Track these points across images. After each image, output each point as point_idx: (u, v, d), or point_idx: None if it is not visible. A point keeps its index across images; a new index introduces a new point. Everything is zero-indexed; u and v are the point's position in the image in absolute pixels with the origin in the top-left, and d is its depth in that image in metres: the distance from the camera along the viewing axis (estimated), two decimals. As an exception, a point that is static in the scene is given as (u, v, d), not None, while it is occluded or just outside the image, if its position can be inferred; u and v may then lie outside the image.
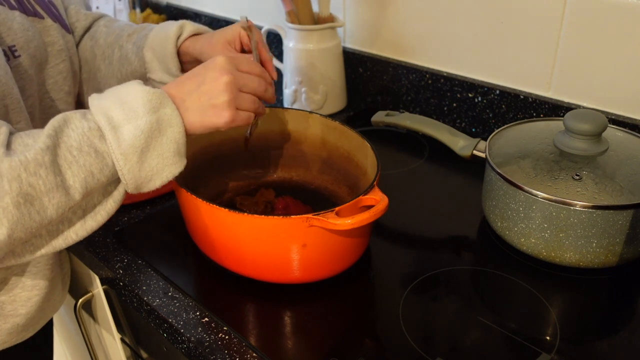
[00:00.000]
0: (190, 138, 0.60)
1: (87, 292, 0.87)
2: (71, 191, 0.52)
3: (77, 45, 0.81)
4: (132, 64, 0.78)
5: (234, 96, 0.59)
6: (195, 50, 0.76)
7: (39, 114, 0.70)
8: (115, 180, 0.56)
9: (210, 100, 0.58)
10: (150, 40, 0.76)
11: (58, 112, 0.74)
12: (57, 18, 0.73)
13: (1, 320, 0.68)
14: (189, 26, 0.75)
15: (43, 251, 0.55)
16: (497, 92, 0.98)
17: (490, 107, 1.00)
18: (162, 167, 0.56)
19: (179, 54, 0.77)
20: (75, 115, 0.54)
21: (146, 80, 0.78)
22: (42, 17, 0.70)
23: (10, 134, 0.52)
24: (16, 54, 0.64)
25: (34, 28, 0.68)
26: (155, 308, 0.67)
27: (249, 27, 0.73)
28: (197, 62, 0.75)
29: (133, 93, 0.55)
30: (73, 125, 0.53)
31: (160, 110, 0.55)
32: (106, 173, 0.54)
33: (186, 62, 0.78)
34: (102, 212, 0.57)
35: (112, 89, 0.57)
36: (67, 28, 0.75)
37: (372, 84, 1.17)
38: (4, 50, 0.62)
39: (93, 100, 0.56)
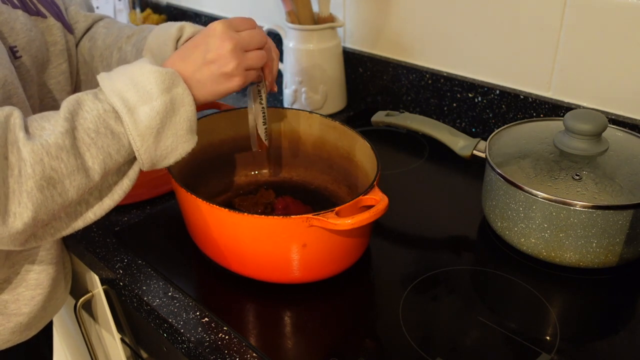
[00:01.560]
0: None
1: (87, 292, 0.87)
2: (91, 172, 0.53)
3: (76, 46, 0.81)
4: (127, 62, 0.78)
5: (241, 59, 0.60)
6: None
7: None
8: (130, 160, 0.57)
9: (220, 68, 0.59)
10: (150, 42, 0.76)
11: None
12: (60, 17, 0.72)
13: (4, 319, 0.68)
14: (189, 28, 0.75)
15: (64, 233, 0.56)
16: (497, 92, 0.98)
17: (490, 107, 1.00)
18: (176, 145, 0.58)
19: None
20: (87, 96, 0.55)
21: None
22: (45, 17, 0.70)
23: (23, 117, 0.53)
24: (17, 54, 0.64)
25: (37, 28, 0.68)
26: (155, 308, 0.67)
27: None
28: None
29: (145, 73, 0.55)
30: (87, 107, 0.54)
31: (173, 89, 0.56)
32: (123, 153, 0.55)
33: None
34: (118, 191, 0.58)
35: (121, 68, 0.57)
36: (69, 28, 0.75)
37: (372, 84, 1.17)
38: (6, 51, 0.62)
39: (103, 80, 0.56)
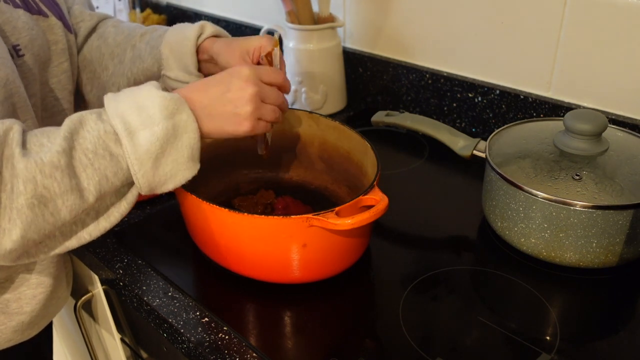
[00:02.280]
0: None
1: (87, 292, 0.87)
2: (85, 194, 0.53)
3: (83, 45, 0.81)
4: (144, 62, 0.78)
5: (258, 107, 0.60)
6: (213, 51, 0.75)
7: (42, 112, 0.70)
8: (129, 183, 0.57)
9: (235, 109, 0.59)
10: (168, 38, 0.75)
11: (61, 111, 0.74)
12: (61, 17, 0.73)
13: (6, 318, 0.68)
14: (210, 27, 0.75)
15: (57, 251, 0.56)
16: (497, 92, 0.98)
17: (490, 107, 1.00)
18: (176, 171, 0.57)
19: (197, 51, 0.77)
20: (90, 116, 0.54)
21: (159, 78, 0.78)
22: (46, 16, 0.70)
23: (24, 132, 0.52)
24: (20, 52, 0.64)
25: (38, 27, 0.68)
26: (155, 308, 0.67)
27: (276, 43, 0.73)
28: (213, 62, 0.75)
29: (150, 98, 0.55)
30: (89, 127, 0.53)
31: (176, 116, 0.55)
32: (120, 177, 0.55)
33: (203, 61, 0.78)
34: (115, 213, 0.58)
35: (128, 91, 0.57)
36: (70, 28, 0.75)
37: (372, 84, 1.17)
38: (8, 50, 0.62)
39: (109, 101, 0.56)
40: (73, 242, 0.56)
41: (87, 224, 0.56)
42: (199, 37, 0.74)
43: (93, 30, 0.82)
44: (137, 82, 0.77)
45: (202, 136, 0.59)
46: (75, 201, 0.52)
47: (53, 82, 0.72)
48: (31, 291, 0.69)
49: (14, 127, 0.51)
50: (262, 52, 0.71)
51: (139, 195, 0.59)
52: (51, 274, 0.71)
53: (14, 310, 0.68)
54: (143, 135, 0.54)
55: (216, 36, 0.76)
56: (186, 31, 0.75)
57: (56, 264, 0.72)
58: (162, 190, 0.59)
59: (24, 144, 0.51)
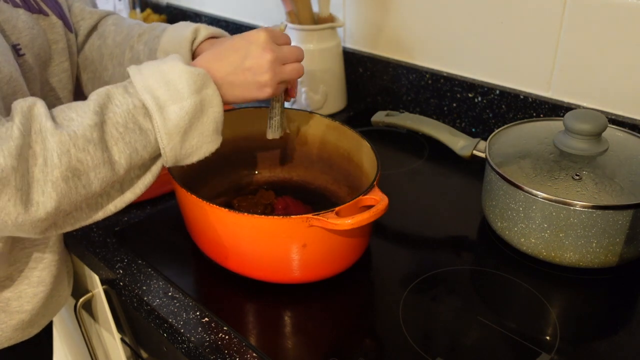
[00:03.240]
0: None
1: (87, 292, 0.87)
2: (116, 167, 0.54)
3: (84, 44, 0.81)
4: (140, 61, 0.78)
5: (277, 72, 0.62)
6: None
7: None
8: (155, 156, 0.58)
9: (255, 77, 0.60)
10: (164, 43, 0.75)
11: None
12: (61, 16, 0.72)
13: (7, 317, 0.68)
14: (204, 30, 0.75)
15: (83, 223, 0.57)
16: (497, 92, 0.98)
17: (490, 107, 1.00)
18: (201, 144, 0.59)
19: (193, 56, 0.77)
20: (117, 89, 0.55)
21: None
22: (47, 14, 0.70)
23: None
24: (20, 52, 0.64)
25: (39, 26, 0.68)
26: (155, 308, 0.67)
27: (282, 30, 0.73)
28: None
29: (177, 72, 0.56)
30: (117, 101, 0.54)
31: (203, 90, 0.57)
32: (149, 150, 0.56)
33: None
34: (140, 185, 0.59)
35: (152, 64, 0.58)
36: (70, 27, 0.75)
37: (372, 84, 1.17)
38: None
39: (135, 74, 0.56)
40: (99, 214, 0.58)
41: (113, 196, 0.58)
42: (193, 41, 0.74)
43: (94, 28, 0.82)
44: None
45: (227, 102, 0.60)
46: (107, 174, 0.54)
47: (54, 81, 0.72)
48: (32, 290, 0.69)
49: (38, 103, 0.52)
50: None
51: (163, 168, 0.60)
52: (51, 272, 0.71)
53: (15, 309, 0.68)
54: (172, 110, 0.55)
55: (214, 37, 0.76)
56: (181, 36, 0.75)
57: (57, 262, 0.72)
58: (185, 162, 0.60)
59: (53, 118, 0.52)
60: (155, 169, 0.59)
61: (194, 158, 0.60)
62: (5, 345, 0.69)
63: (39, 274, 0.70)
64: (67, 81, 0.73)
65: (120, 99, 0.55)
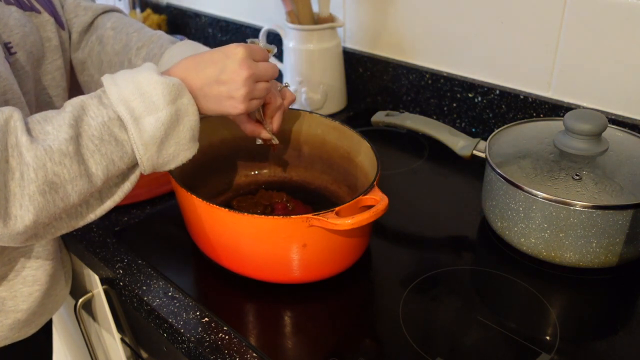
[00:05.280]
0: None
1: (87, 292, 0.87)
2: (93, 178, 0.54)
3: (80, 42, 0.80)
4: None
5: (252, 89, 0.61)
6: None
7: (36, 110, 0.70)
8: (133, 165, 0.58)
9: (230, 92, 0.60)
10: (164, 64, 0.74)
11: (56, 109, 0.73)
12: (53, 13, 0.72)
13: (2, 316, 0.68)
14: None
15: (63, 231, 0.57)
16: (497, 92, 0.98)
17: (490, 107, 1.00)
18: (178, 152, 0.59)
19: None
20: (91, 100, 0.55)
21: None
22: (39, 12, 0.70)
23: (24, 119, 0.53)
24: (12, 50, 0.64)
25: (31, 23, 0.68)
26: (155, 308, 0.67)
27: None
28: None
29: (152, 83, 0.56)
30: (92, 113, 0.54)
31: (178, 100, 0.57)
32: (126, 160, 0.56)
33: None
34: (119, 193, 0.59)
35: (127, 74, 0.57)
36: (62, 24, 0.74)
37: (372, 84, 1.17)
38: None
39: (110, 85, 0.56)
40: (79, 222, 0.58)
41: (92, 205, 0.58)
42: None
43: (90, 25, 0.80)
44: None
45: (199, 114, 0.60)
46: (84, 186, 0.54)
47: (47, 79, 0.72)
48: (27, 289, 0.69)
49: (14, 115, 0.51)
50: None
51: (141, 175, 0.60)
52: (46, 271, 0.71)
53: (10, 308, 0.69)
54: (148, 121, 0.55)
55: None
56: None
57: (52, 262, 0.72)
58: (164, 170, 0.60)
59: (28, 131, 0.52)
60: (133, 178, 0.59)
61: (172, 165, 0.60)
62: (2, 344, 0.70)
63: (34, 273, 0.70)
64: (61, 79, 0.73)
65: (95, 111, 0.54)
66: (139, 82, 0.56)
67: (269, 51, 0.67)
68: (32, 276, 0.70)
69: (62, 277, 0.76)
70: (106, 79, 0.57)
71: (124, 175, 0.58)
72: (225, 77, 0.60)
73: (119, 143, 0.55)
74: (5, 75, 0.59)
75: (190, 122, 0.58)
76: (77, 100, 0.55)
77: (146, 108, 0.55)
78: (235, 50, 0.60)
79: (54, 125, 0.52)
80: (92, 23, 0.80)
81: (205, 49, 0.75)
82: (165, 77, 0.57)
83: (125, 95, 0.55)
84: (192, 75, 0.60)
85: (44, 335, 0.79)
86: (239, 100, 0.61)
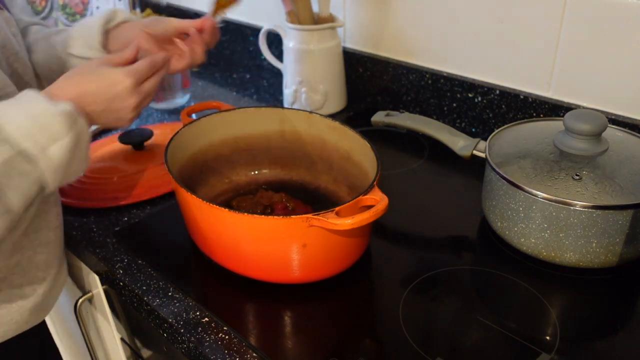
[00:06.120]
0: (189, 140, 0.62)
1: (87, 291, 0.87)
2: (15, 209, 0.57)
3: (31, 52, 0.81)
4: (55, 48, 0.78)
5: (141, 106, 0.67)
6: (124, 37, 0.78)
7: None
8: (43, 187, 0.61)
9: (119, 118, 0.66)
10: (78, 24, 0.78)
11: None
12: (9, 11, 0.74)
13: (25, 301, 0.70)
14: (121, 14, 0.78)
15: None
16: (497, 92, 0.98)
17: (490, 107, 1.00)
18: (78, 169, 0.63)
19: (109, 37, 0.78)
20: None
21: (64, 60, 0.78)
22: (1, 9, 0.71)
23: None
24: None
25: (2, 17, 0.69)
26: (155, 308, 0.67)
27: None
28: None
29: (49, 115, 0.57)
30: None
31: (75, 125, 0.60)
32: (36, 187, 0.59)
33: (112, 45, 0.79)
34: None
35: (21, 109, 0.57)
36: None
37: (372, 84, 1.17)
38: None
39: (5, 123, 0.56)
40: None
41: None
42: (109, 21, 0.77)
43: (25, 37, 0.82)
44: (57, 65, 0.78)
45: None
46: (6, 219, 0.57)
47: (27, 73, 0.73)
48: (41, 273, 0.72)
49: None
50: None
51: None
52: (56, 255, 0.74)
53: (29, 294, 0.71)
54: (53, 150, 0.58)
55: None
56: (93, 20, 0.77)
57: (59, 244, 0.74)
58: (65, 184, 0.63)
59: None
60: (39, 199, 0.64)
61: (72, 179, 0.63)
62: (24, 328, 0.71)
63: (46, 257, 0.72)
64: (27, 64, 0.74)
65: None
66: (35, 114, 0.57)
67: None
68: (45, 261, 0.72)
69: (64, 258, 0.78)
70: None
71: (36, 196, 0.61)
72: (115, 105, 0.64)
73: (25, 174, 0.57)
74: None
75: (85, 141, 0.62)
76: None
77: (49, 138, 0.57)
78: (122, 80, 0.64)
79: None
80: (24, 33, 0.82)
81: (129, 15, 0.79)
82: (58, 104, 0.58)
83: (25, 130, 0.56)
84: (85, 100, 0.63)
85: (45, 335, 0.79)
86: (131, 119, 0.67)
